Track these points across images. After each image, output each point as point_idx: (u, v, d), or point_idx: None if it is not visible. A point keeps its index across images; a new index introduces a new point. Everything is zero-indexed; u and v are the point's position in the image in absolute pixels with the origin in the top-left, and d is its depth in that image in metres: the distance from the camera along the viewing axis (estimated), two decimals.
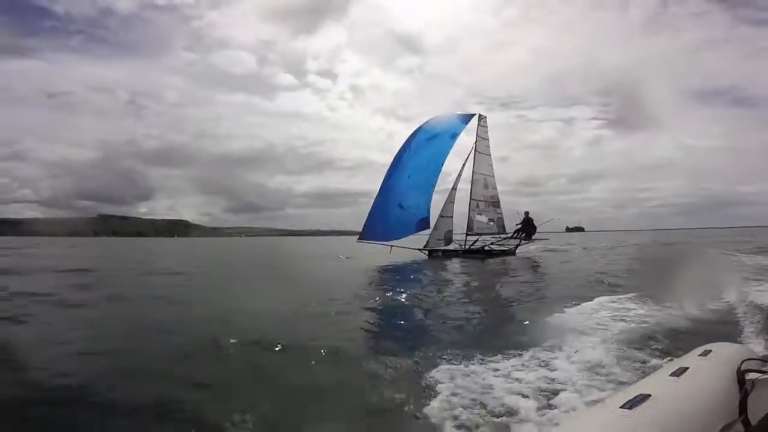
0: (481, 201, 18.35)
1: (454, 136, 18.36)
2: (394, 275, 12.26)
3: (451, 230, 18.03)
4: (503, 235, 18.48)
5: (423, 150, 17.61)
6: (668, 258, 15.56)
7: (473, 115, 18.94)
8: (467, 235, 18.00)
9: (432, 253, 17.62)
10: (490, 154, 19.17)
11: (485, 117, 19.23)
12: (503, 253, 17.90)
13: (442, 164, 18.04)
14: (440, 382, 3.17)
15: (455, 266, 14.40)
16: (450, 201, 18.09)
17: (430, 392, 3.04)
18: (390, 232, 17.12)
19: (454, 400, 2.89)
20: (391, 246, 17.04)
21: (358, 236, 17.76)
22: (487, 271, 13.39)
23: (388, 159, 18.27)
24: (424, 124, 18.14)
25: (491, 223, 18.42)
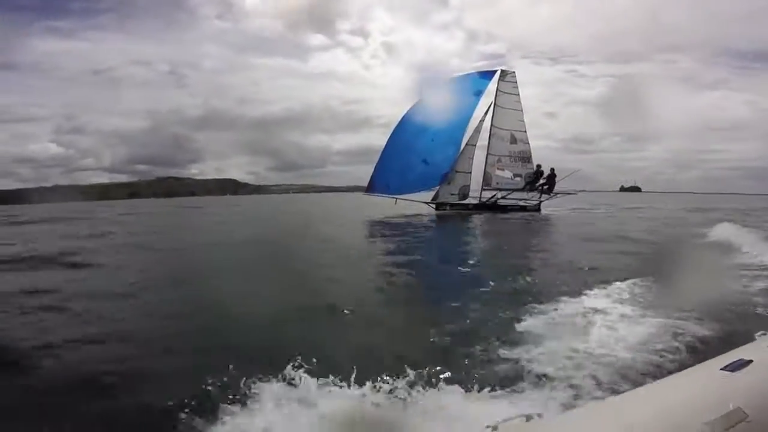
0: (505, 156, 18.71)
1: (478, 93, 18.57)
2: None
3: (468, 185, 18.53)
4: (514, 190, 18.66)
5: (445, 109, 17.67)
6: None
7: (495, 71, 18.92)
8: (483, 189, 18.52)
9: (440, 206, 18.22)
10: (521, 110, 19.20)
11: (512, 72, 19.20)
12: (522, 209, 18.25)
13: (468, 120, 18.45)
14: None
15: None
16: (468, 156, 18.44)
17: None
18: (409, 186, 17.78)
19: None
20: (397, 199, 17.73)
21: (365, 190, 18.54)
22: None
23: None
24: (441, 83, 18.53)
25: (517, 178, 18.73)
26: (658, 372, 2.78)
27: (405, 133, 18.02)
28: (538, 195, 18.54)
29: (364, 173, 18.60)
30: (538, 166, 18.66)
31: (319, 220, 19.51)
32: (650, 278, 5.47)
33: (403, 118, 18.21)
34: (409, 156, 17.88)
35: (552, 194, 18.59)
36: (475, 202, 18.51)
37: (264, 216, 24.79)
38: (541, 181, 18.53)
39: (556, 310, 4.34)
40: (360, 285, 6.20)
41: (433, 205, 18.36)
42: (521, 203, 18.53)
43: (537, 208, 18.46)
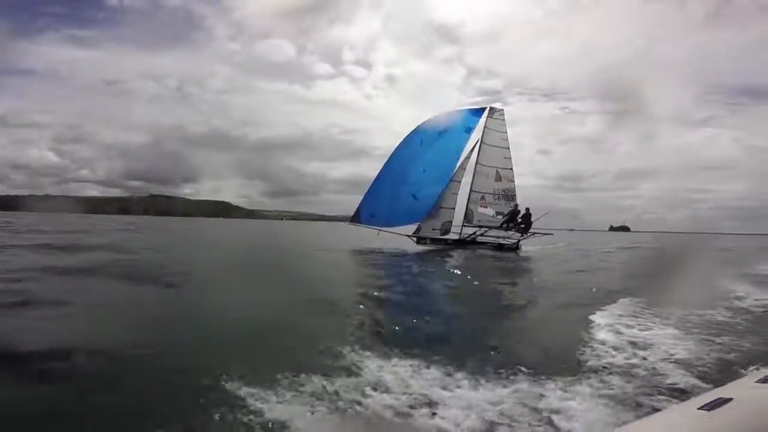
0: (489, 194, 18.58)
1: (468, 130, 18.75)
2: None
3: (450, 221, 18.34)
4: (493, 228, 18.54)
5: (437, 144, 18.08)
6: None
7: (485, 108, 19.05)
8: (463, 226, 18.34)
9: (420, 240, 18.05)
10: (507, 147, 19.27)
11: (501, 110, 19.40)
12: (500, 246, 18.04)
13: (458, 157, 18.50)
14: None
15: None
16: (453, 192, 18.36)
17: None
18: (396, 219, 17.75)
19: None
20: (379, 230, 17.64)
21: (350, 219, 18.42)
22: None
23: None
24: (433, 118, 18.56)
25: (499, 216, 18.54)
26: (633, 413, 2.70)
27: (397, 165, 18.08)
28: (517, 234, 18.28)
29: (357, 203, 18.38)
30: (527, 209, 18.47)
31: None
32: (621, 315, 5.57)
33: (396, 149, 18.28)
34: (400, 189, 17.90)
35: (529, 233, 18.30)
36: (456, 237, 18.19)
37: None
38: (518, 220, 18.31)
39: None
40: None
41: (414, 239, 18.01)
42: (500, 241, 18.26)
43: (516, 247, 18.15)
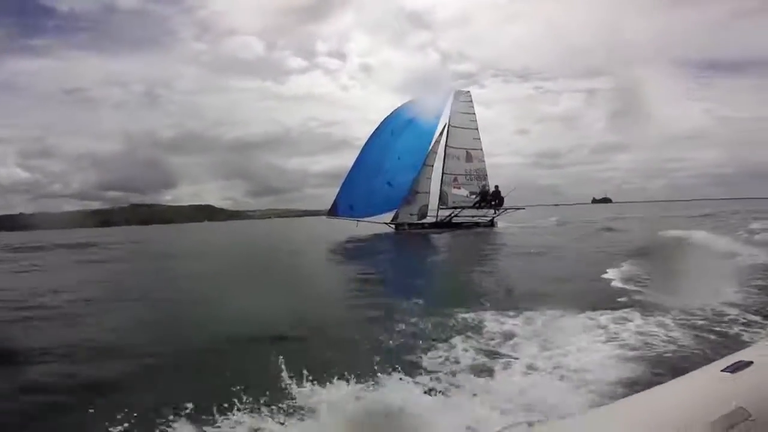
0: (461, 174, 19.15)
1: (438, 116, 19.20)
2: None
3: (427, 205, 18.98)
4: (467, 208, 19.23)
5: (409, 131, 18.57)
6: None
7: (450, 92, 19.58)
8: (439, 208, 18.98)
9: (399, 227, 18.65)
10: (476, 128, 19.77)
11: (467, 92, 19.94)
12: (476, 225, 18.72)
13: (430, 142, 18.92)
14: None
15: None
16: (426, 177, 18.93)
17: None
18: (374, 208, 18.26)
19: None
20: (358, 221, 18.18)
21: (327, 213, 18.98)
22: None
23: None
24: (403, 105, 19.03)
25: (473, 195, 19.12)
26: (658, 377, 2.79)
27: (370, 156, 18.54)
28: (493, 211, 18.97)
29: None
30: (484, 185, 19.16)
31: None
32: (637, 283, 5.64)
33: (368, 141, 18.80)
34: (375, 179, 18.34)
35: (501, 210, 19.02)
36: (433, 220, 18.80)
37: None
38: (489, 199, 19.06)
39: (541, 314, 4.38)
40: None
41: (393, 226, 18.48)
42: (475, 220, 18.88)
43: (491, 224, 18.75)
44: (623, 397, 2.14)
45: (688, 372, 1.72)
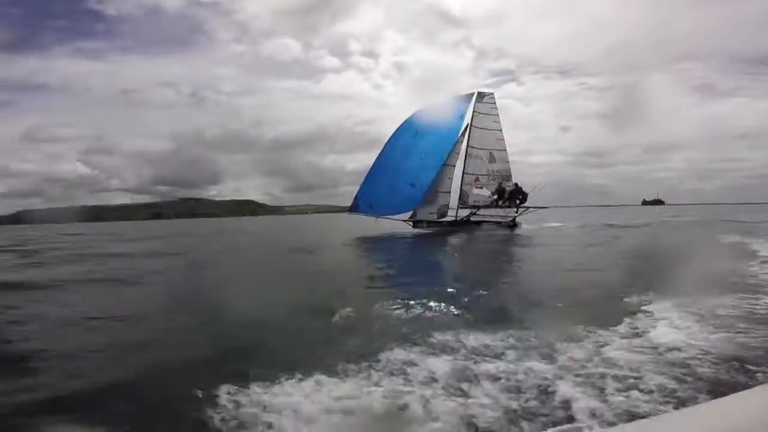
0: (483, 175, 19.36)
1: (462, 117, 19.54)
2: None
3: (447, 204, 19.26)
4: (485, 207, 19.34)
5: (432, 132, 18.94)
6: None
7: (473, 93, 19.77)
8: (459, 208, 19.27)
9: (416, 224, 19.09)
10: (500, 129, 19.89)
11: (490, 94, 20.04)
12: (498, 225, 18.73)
13: (454, 143, 19.34)
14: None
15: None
16: (447, 177, 19.24)
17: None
18: (393, 207, 18.85)
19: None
20: (377, 217, 18.83)
21: (349, 209, 19.76)
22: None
23: None
24: (424, 108, 19.48)
25: (494, 196, 19.29)
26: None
27: (392, 156, 19.12)
28: (514, 211, 19.01)
29: None
30: (500, 183, 19.20)
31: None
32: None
33: (389, 141, 19.37)
34: (397, 178, 18.90)
35: (523, 209, 19.10)
36: (452, 219, 19.22)
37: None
38: (508, 196, 19.11)
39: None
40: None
41: (411, 223, 19.10)
42: (495, 219, 18.99)
43: (513, 224, 18.88)
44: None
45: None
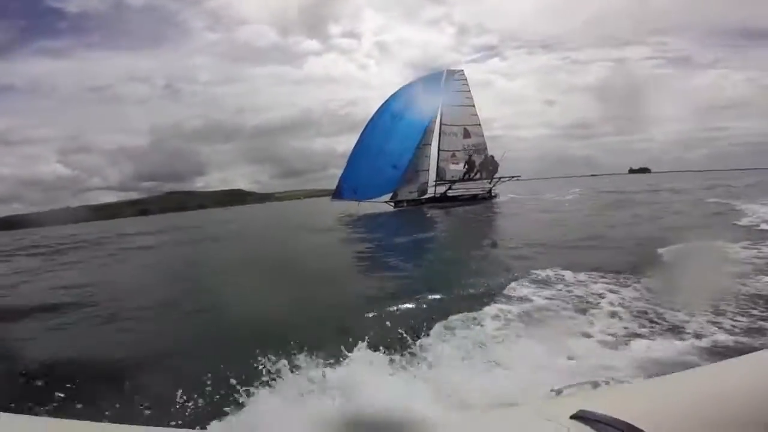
0: (459, 150, 20.23)
1: (433, 96, 20.26)
2: None
3: (426, 182, 20.17)
4: (458, 181, 20.30)
5: (409, 113, 19.72)
6: None
7: (443, 72, 20.52)
8: (436, 184, 20.17)
9: (397, 204, 19.94)
10: (473, 105, 20.70)
11: (460, 71, 20.74)
12: (474, 198, 19.68)
13: (431, 122, 20.22)
14: None
15: None
16: (425, 155, 20.13)
17: None
18: (377, 189, 19.67)
19: None
20: (359, 200, 19.56)
21: (332, 196, 20.58)
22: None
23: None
24: (400, 89, 20.26)
25: (464, 168, 20.24)
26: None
27: (373, 140, 19.77)
28: (488, 182, 20.00)
29: None
30: (469, 155, 20.19)
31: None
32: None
33: (367, 127, 20.08)
34: (378, 160, 19.57)
35: (496, 179, 20.13)
36: (430, 195, 20.17)
37: None
38: (478, 168, 20.05)
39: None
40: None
41: (392, 204, 20.02)
42: (472, 192, 19.97)
43: (490, 196, 19.86)
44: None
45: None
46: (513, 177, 20.54)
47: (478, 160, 20.13)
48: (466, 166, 20.11)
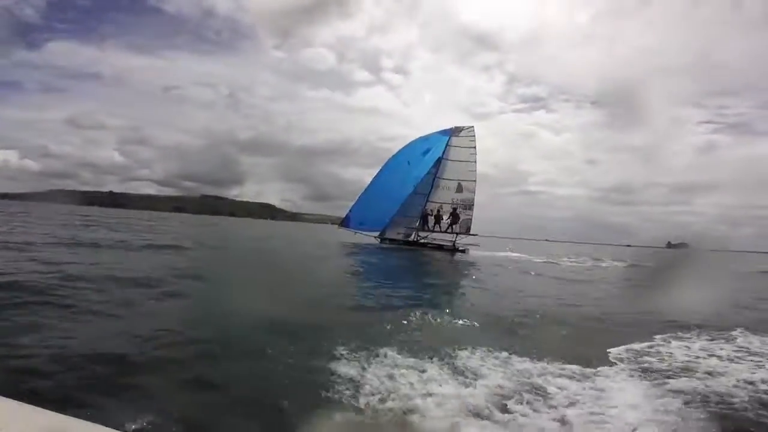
0: (447, 203, 21.14)
1: (438, 150, 21.86)
2: None
3: (413, 227, 21.76)
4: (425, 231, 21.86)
5: (421, 164, 21.66)
6: None
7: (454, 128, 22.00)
8: (418, 230, 21.71)
9: (383, 240, 21.62)
10: (474, 161, 21.68)
11: (469, 128, 22.00)
12: (440, 248, 20.92)
13: (425, 175, 21.89)
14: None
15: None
16: (419, 204, 21.69)
17: None
18: (380, 225, 21.76)
19: None
20: (357, 232, 21.82)
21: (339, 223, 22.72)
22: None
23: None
24: (415, 141, 22.02)
25: (454, 225, 21.22)
26: None
27: (388, 179, 21.70)
28: (453, 235, 21.17)
29: None
30: (455, 208, 21.38)
31: None
32: None
33: (385, 168, 22.04)
34: (389, 203, 21.48)
35: (455, 235, 21.26)
36: (409, 239, 21.81)
37: None
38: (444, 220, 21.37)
39: None
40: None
41: (379, 239, 21.40)
42: (437, 242, 21.37)
43: (454, 249, 20.74)
44: None
45: None
46: (472, 235, 21.42)
47: (462, 215, 20.90)
48: (450, 219, 21.17)
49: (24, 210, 31.79)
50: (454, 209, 21.20)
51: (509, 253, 22.93)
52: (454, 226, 21.10)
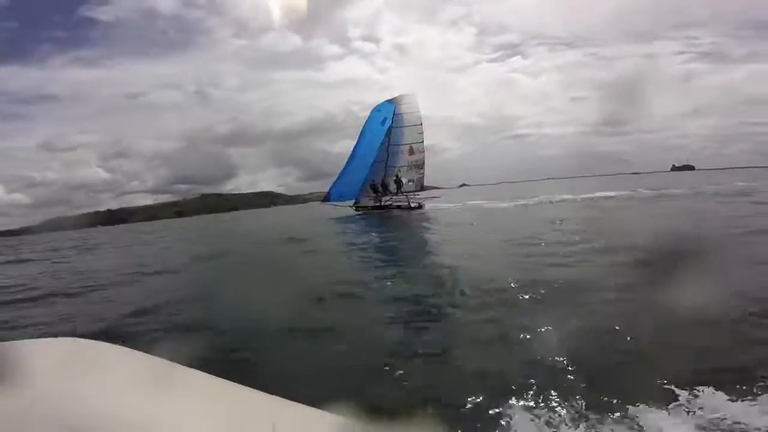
0: (404, 166, 24.50)
1: (387, 120, 24.93)
2: None
3: (379, 193, 24.97)
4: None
5: (380, 132, 24.71)
6: None
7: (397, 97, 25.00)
8: (381, 195, 24.87)
9: (358, 209, 24.87)
10: (420, 124, 24.84)
11: (408, 95, 24.89)
12: (398, 208, 23.93)
13: (380, 144, 24.98)
14: None
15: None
16: (381, 171, 24.83)
17: None
18: (354, 195, 25.13)
19: None
20: (336, 205, 25.03)
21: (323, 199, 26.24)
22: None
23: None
24: (374, 111, 25.06)
25: (410, 183, 24.67)
26: None
27: (363, 154, 24.91)
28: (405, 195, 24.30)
29: None
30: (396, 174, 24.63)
31: None
32: None
33: (358, 139, 25.25)
34: (363, 173, 24.71)
35: (401, 194, 24.32)
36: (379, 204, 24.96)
37: None
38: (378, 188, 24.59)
39: None
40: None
41: (354, 208, 24.93)
42: (396, 203, 24.27)
43: (410, 206, 23.73)
44: None
45: None
46: (433, 188, 24.31)
47: (416, 175, 24.19)
48: (411, 182, 24.48)
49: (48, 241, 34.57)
50: (398, 176, 24.32)
51: (471, 202, 26.24)
52: (401, 189, 24.22)
